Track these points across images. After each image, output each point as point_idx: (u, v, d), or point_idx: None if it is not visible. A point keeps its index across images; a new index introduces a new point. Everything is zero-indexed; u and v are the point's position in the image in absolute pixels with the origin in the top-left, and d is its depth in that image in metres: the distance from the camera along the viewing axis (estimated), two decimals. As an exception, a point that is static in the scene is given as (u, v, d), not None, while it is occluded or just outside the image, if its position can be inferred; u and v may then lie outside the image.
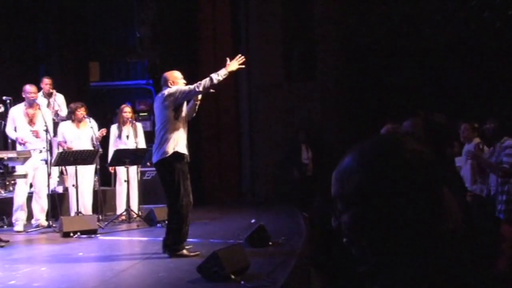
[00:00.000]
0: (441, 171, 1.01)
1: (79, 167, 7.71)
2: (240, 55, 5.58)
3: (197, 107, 5.67)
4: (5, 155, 6.66)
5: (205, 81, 5.35)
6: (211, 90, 5.54)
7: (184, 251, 5.51)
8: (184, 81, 5.63)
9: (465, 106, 9.01)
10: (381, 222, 0.99)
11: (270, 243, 6.01)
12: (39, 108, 7.68)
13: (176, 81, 5.58)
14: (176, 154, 5.42)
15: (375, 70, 10.42)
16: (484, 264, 1.04)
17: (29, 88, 7.61)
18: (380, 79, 10.35)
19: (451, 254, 0.99)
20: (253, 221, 7.12)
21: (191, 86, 5.43)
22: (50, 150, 7.72)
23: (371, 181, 0.99)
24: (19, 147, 7.56)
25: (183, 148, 5.49)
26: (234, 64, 5.45)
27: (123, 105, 8.64)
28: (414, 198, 0.98)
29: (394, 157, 0.98)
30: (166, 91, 5.51)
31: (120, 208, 8.36)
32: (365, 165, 0.99)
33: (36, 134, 7.50)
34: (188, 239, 5.79)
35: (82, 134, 7.99)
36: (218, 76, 5.34)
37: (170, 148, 5.42)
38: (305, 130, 10.69)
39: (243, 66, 5.58)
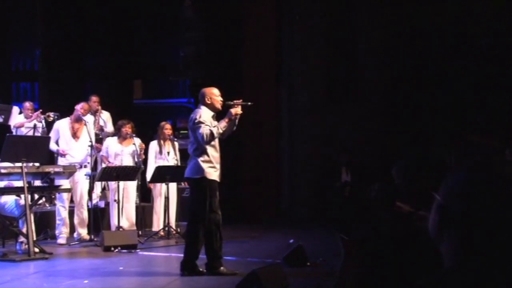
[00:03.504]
0: None
1: (122, 183, 7.89)
2: (236, 101, 5.64)
3: (235, 127, 5.70)
4: (51, 169, 6.86)
5: (207, 135, 5.42)
6: (249, 104, 5.64)
7: (222, 269, 5.54)
8: (221, 99, 5.66)
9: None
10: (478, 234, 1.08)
11: (308, 263, 6.00)
12: (85, 124, 7.91)
13: (214, 98, 5.62)
14: (203, 178, 5.49)
15: (419, 92, 10.29)
16: None
17: (83, 105, 7.96)
18: (425, 102, 10.20)
19: None
20: (291, 241, 7.12)
21: (202, 133, 5.41)
22: (95, 165, 7.94)
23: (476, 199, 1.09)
24: (61, 161, 7.77)
25: (211, 172, 5.52)
26: (231, 114, 5.54)
27: (164, 122, 8.79)
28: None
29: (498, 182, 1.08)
30: (196, 117, 5.52)
31: (158, 224, 8.47)
32: (472, 186, 1.10)
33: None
34: (226, 257, 5.84)
35: (125, 151, 8.17)
36: (219, 129, 5.48)
37: (199, 170, 5.49)
38: (346, 152, 10.62)
39: (249, 104, 5.65)
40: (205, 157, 5.50)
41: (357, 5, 11.07)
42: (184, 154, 8.81)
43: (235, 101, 5.64)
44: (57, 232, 7.69)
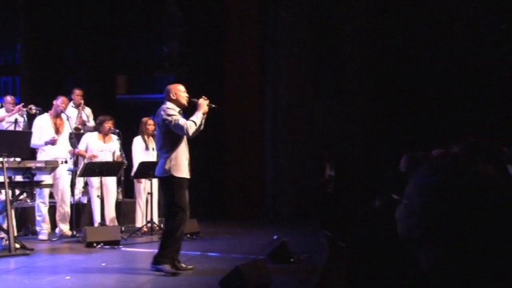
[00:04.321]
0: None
1: (103, 178, 7.81)
2: (204, 96, 5.60)
3: (202, 127, 5.60)
4: (33, 164, 6.77)
5: (190, 126, 5.36)
6: (213, 105, 5.60)
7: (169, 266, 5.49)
8: (187, 95, 5.60)
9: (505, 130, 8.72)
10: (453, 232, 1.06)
11: (292, 259, 6.00)
12: (67, 119, 7.84)
13: (179, 94, 5.56)
14: (172, 176, 5.43)
15: (404, 90, 10.34)
16: None
17: (63, 99, 7.85)
18: (410, 99, 10.25)
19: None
20: (275, 237, 7.12)
21: (184, 125, 5.35)
22: (76, 160, 7.86)
23: (446, 199, 1.06)
24: (42, 156, 7.64)
25: (179, 169, 5.46)
26: (204, 105, 5.50)
27: (146, 118, 8.68)
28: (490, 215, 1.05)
29: (468, 180, 1.06)
30: (164, 113, 5.45)
31: (141, 220, 8.41)
32: (442, 186, 1.07)
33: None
34: (210, 253, 5.81)
35: (105, 148, 8.08)
36: (197, 119, 5.43)
37: (168, 168, 5.43)
38: (330, 148, 10.65)
39: (214, 106, 5.61)
40: (173, 155, 5.43)
41: (342, 3, 11.09)
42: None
43: (201, 99, 5.59)
44: (38, 228, 7.60)
